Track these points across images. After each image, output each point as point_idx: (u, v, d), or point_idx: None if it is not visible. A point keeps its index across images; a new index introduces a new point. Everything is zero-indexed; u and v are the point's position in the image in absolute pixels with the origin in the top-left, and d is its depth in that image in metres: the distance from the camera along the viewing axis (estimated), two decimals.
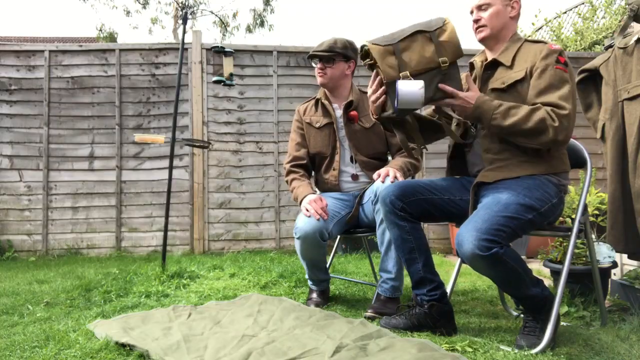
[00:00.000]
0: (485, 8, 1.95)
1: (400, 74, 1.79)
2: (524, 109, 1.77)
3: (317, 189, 2.62)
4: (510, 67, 1.91)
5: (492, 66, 1.97)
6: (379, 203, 2.05)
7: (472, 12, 2.01)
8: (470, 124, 2.00)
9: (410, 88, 1.75)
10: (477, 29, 1.99)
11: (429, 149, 2.30)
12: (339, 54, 2.48)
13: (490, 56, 2.00)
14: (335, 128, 2.51)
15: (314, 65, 2.55)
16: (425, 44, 1.80)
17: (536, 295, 1.77)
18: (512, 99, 1.85)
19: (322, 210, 2.28)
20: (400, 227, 1.97)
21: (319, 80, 2.52)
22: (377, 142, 2.51)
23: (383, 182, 2.21)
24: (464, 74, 1.91)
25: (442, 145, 2.39)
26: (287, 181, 2.54)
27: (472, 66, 2.09)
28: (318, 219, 2.24)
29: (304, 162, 2.55)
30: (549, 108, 1.76)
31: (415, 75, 1.79)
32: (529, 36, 7.76)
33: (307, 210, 2.28)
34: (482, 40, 2.00)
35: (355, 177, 2.49)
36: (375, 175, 2.30)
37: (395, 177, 2.23)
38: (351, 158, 2.50)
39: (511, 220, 1.70)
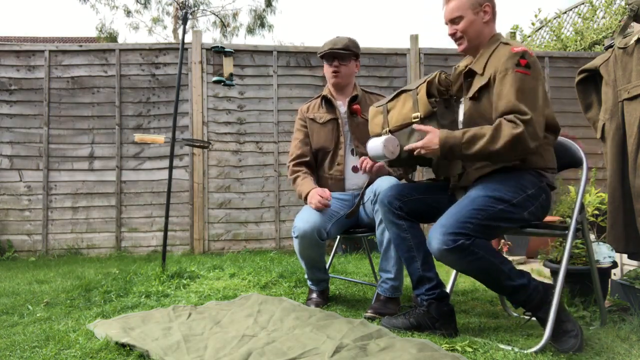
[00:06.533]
0: (458, 21, 1.93)
1: (383, 131, 1.97)
2: (488, 131, 1.72)
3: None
4: (482, 74, 1.87)
5: (470, 74, 1.93)
6: (378, 204, 2.09)
7: (447, 24, 2.00)
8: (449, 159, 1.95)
9: (373, 144, 1.94)
10: (455, 41, 1.98)
11: None
12: (352, 52, 2.51)
13: (469, 64, 1.98)
14: (339, 123, 2.52)
15: (326, 63, 2.54)
16: (407, 101, 1.91)
17: (523, 286, 1.73)
18: (487, 106, 1.83)
19: (324, 198, 2.30)
20: (398, 225, 2.00)
21: (333, 80, 2.53)
22: None
23: (361, 167, 2.28)
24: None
25: None
26: (291, 180, 2.57)
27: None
28: (324, 206, 2.29)
29: (307, 159, 2.56)
30: (512, 116, 1.71)
31: (394, 132, 1.94)
32: (529, 36, 7.75)
33: (312, 203, 2.32)
34: (463, 52, 1.99)
35: (355, 169, 2.50)
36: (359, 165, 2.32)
37: (370, 165, 2.24)
38: (352, 151, 2.52)
39: (478, 212, 1.71)
